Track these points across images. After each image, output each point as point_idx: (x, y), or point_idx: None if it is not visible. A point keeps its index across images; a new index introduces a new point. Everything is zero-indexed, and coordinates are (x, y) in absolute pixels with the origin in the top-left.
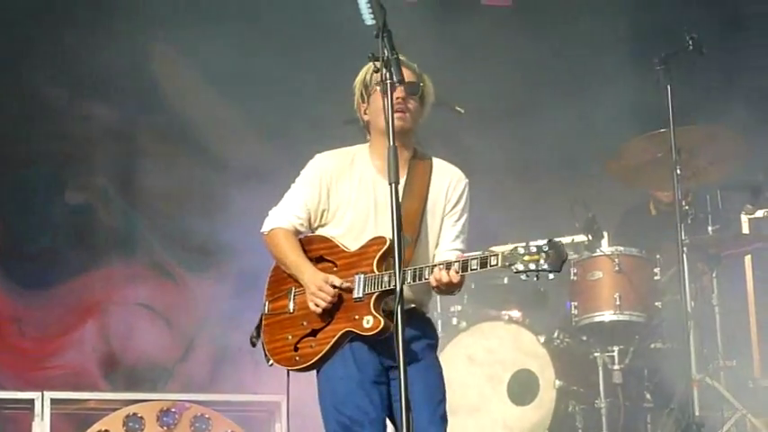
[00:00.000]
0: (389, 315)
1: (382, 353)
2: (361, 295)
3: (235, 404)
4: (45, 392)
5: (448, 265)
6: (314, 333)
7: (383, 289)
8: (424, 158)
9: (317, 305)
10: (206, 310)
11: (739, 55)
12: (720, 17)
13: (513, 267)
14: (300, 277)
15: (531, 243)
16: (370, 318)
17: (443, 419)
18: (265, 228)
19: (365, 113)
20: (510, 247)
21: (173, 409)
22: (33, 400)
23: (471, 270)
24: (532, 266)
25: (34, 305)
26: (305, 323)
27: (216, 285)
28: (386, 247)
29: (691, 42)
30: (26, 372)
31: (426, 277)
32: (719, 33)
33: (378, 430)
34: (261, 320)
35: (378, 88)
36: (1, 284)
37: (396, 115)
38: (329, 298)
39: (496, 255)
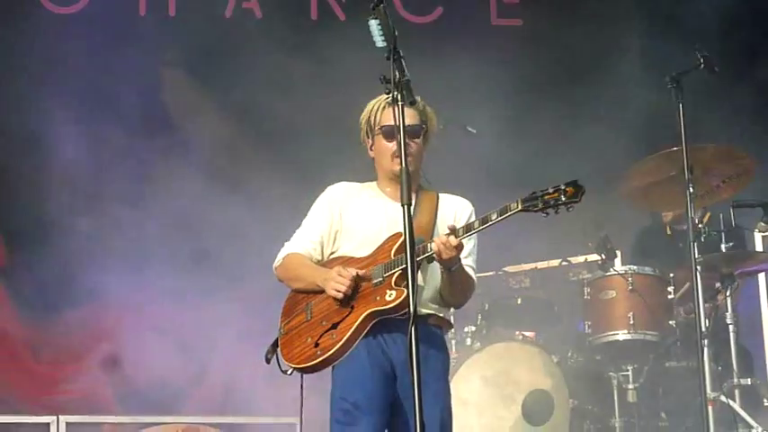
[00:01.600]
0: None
1: (396, 363)
2: (381, 279)
3: (249, 427)
4: (60, 416)
5: (451, 231)
6: (335, 326)
7: (402, 266)
8: (431, 192)
9: (338, 290)
10: (219, 333)
11: (750, 73)
12: (730, 36)
13: (532, 208)
14: (318, 281)
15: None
16: (392, 292)
17: None
18: (278, 259)
19: (371, 150)
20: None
21: None
22: (49, 424)
23: (492, 221)
24: (552, 203)
25: (48, 330)
26: (324, 323)
27: (228, 307)
28: (402, 238)
29: (702, 61)
30: (41, 396)
31: (428, 250)
32: (732, 52)
33: (378, 420)
34: (276, 341)
35: (381, 132)
36: (16, 310)
37: (396, 160)
38: (348, 282)
39: (516, 201)
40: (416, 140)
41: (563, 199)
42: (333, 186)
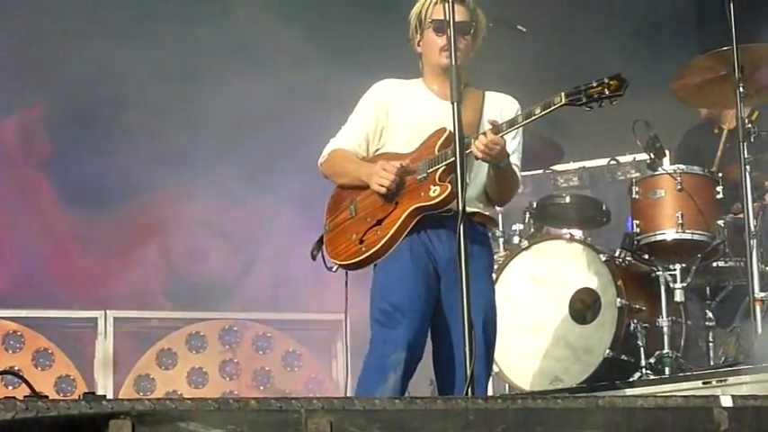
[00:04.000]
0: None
1: (440, 261)
2: (425, 174)
3: (296, 323)
4: (108, 311)
5: (494, 127)
6: (379, 222)
7: (446, 162)
8: (477, 89)
9: (382, 185)
10: (267, 229)
11: None
12: None
13: (576, 102)
14: (363, 176)
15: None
16: (436, 187)
17: (488, 352)
18: (323, 155)
19: (418, 45)
20: None
21: (234, 328)
22: (96, 318)
23: (536, 115)
24: (596, 96)
25: (96, 224)
26: (369, 219)
27: (277, 203)
28: (446, 134)
29: None
30: (89, 290)
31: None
32: None
33: (419, 321)
34: (321, 238)
35: (431, 26)
36: (64, 205)
37: (444, 54)
38: (392, 176)
39: (559, 95)
40: (466, 37)
41: (607, 92)
42: (379, 83)
